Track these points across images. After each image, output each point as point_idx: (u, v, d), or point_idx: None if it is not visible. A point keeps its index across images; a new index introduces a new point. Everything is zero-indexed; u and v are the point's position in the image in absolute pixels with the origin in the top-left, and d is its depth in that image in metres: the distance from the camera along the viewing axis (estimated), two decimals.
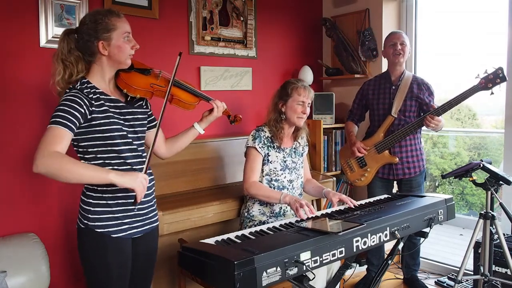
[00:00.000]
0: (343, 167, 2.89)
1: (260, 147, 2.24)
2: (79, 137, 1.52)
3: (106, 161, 1.56)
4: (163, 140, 1.86)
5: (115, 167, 1.57)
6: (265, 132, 2.29)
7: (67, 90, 1.52)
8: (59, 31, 2.23)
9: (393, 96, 2.68)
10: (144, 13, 2.57)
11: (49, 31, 2.25)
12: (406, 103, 2.66)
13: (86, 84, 1.55)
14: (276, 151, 2.28)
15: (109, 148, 1.56)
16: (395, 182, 2.84)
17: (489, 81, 2.33)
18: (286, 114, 2.26)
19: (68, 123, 1.43)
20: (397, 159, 2.66)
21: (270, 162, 2.27)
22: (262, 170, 2.27)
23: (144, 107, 1.74)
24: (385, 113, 2.70)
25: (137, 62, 1.68)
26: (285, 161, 2.30)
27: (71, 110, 1.45)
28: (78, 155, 1.57)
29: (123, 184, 1.44)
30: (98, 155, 1.55)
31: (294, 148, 2.35)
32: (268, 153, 2.27)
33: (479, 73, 2.35)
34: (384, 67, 3.23)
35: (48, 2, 2.23)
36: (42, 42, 2.24)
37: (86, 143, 1.53)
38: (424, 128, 2.64)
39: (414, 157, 2.71)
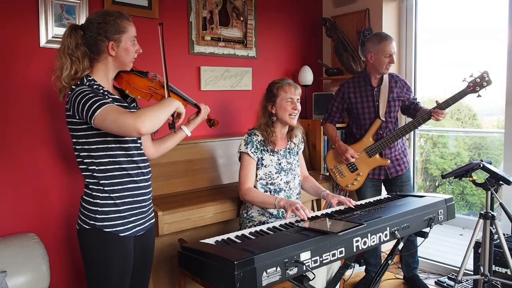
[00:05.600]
0: (332, 172, 2.80)
1: (252, 152, 2.23)
2: (89, 132, 1.53)
3: (116, 159, 1.58)
4: (150, 142, 1.86)
5: (124, 165, 1.59)
6: (258, 136, 2.27)
7: (74, 87, 1.53)
8: (59, 31, 2.24)
9: (377, 99, 2.68)
10: (144, 13, 2.57)
11: (49, 31, 2.25)
12: (390, 104, 2.68)
13: (93, 82, 1.56)
14: (270, 154, 2.27)
15: (118, 145, 1.58)
16: (382, 182, 2.85)
17: (477, 85, 2.40)
18: (277, 115, 2.25)
19: (109, 102, 1.47)
20: (389, 161, 2.68)
21: (264, 166, 2.26)
22: (256, 174, 2.26)
23: (137, 108, 1.75)
24: (371, 117, 2.69)
25: (133, 65, 1.71)
26: (280, 164, 2.29)
27: (99, 95, 1.48)
28: (82, 153, 1.56)
29: (180, 107, 1.60)
30: (108, 152, 1.56)
31: (289, 149, 2.35)
32: (261, 157, 2.26)
33: (465, 77, 2.42)
34: None
35: (48, 2, 2.23)
36: (42, 42, 2.24)
37: (97, 139, 1.54)
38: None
39: (401, 154, 2.76)
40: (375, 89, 2.69)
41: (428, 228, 1.95)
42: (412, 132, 3.13)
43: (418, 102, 2.75)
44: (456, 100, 2.46)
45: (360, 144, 2.71)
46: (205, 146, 2.75)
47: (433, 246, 3.56)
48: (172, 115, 1.63)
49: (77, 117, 1.50)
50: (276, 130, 2.29)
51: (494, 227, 2.21)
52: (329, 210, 2.06)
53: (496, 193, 2.22)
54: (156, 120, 1.47)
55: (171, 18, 2.74)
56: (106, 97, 1.54)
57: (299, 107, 2.25)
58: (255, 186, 2.25)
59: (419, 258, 2.97)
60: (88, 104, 1.44)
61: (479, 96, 2.41)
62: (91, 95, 1.47)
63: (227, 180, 2.77)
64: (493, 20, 3.65)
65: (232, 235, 1.71)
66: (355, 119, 2.78)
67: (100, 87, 1.57)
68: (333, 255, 1.56)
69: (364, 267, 2.99)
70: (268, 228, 1.77)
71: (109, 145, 1.56)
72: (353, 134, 2.80)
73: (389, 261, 2.07)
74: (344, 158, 2.69)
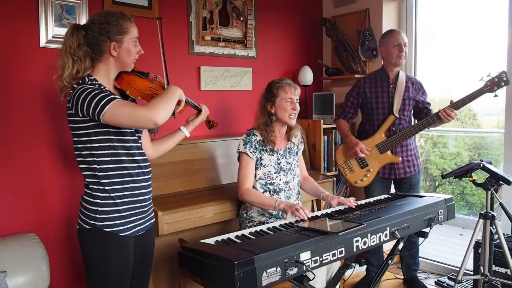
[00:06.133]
0: (342, 168, 2.81)
1: (251, 152, 2.23)
2: (91, 130, 1.53)
3: (118, 158, 1.58)
4: (150, 142, 1.87)
5: (126, 164, 1.59)
6: (257, 135, 2.27)
7: (76, 86, 1.53)
8: (59, 31, 2.24)
9: (392, 95, 2.67)
10: (144, 13, 2.57)
11: (49, 31, 2.24)
12: (405, 102, 2.66)
13: (94, 81, 1.57)
14: (269, 154, 2.27)
15: (121, 144, 1.58)
16: (392, 181, 2.83)
17: (494, 84, 2.36)
18: (277, 115, 2.25)
19: (117, 97, 1.50)
20: (400, 159, 2.65)
21: (263, 166, 2.26)
22: (256, 174, 2.26)
23: None
24: (384, 112, 2.68)
25: (134, 66, 1.71)
26: (279, 163, 2.29)
27: (104, 91, 1.49)
28: (84, 152, 1.56)
29: (182, 95, 1.65)
30: (111, 151, 1.56)
31: (288, 149, 2.34)
32: (260, 157, 2.25)
33: (483, 76, 2.38)
34: None
35: (48, 2, 2.23)
36: (42, 42, 2.24)
37: (100, 137, 1.54)
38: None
39: (413, 156, 2.73)
40: (391, 85, 2.69)
41: (428, 228, 1.95)
42: None
43: (431, 109, 2.71)
44: (473, 98, 2.42)
45: (371, 140, 2.69)
46: (205, 146, 2.75)
47: (433, 246, 3.56)
48: None
49: (80, 115, 1.50)
50: (275, 130, 2.29)
51: (494, 227, 2.21)
52: (329, 210, 2.06)
53: (496, 193, 2.22)
54: (168, 109, 1.54)
55: (171, 18, 2.73)
56: None
57: (298, 107, 2.26)
58: (254, 186, 2.25)
59: (419, 259, 2.97)
60: (95, 100, 1.45)
61: (496, 96, 2.37)
62: (96, 91, 1.47)
63: (227, 180, 2.77)
64: (493, 20, 3.65)
65: (232, 235, 1.71)
66: (368, 115, 2.77)
67: (102, 87, 1.57)
68: (333, 255, 1.56)
69: (364, 267, 2.99)
70: (268, 228, 1.77)
71: (112, 144, 1.56)
72: (366, 131, 2.79)
73: (389, 261, 2.07)
74: (354, 152, 2.66)
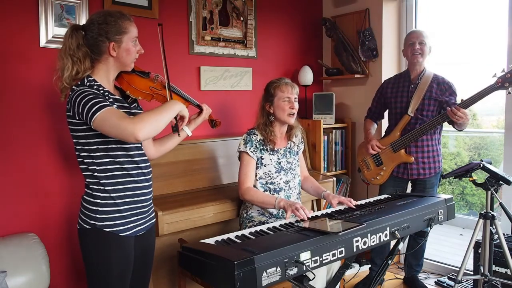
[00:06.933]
0: (360, 165, 2.87)
1: (252, 151, 2.24)
2: (89, 133, 1.53)
3: (116, 159, 1.58)
4: (151, 142, 1.86)
5: (125, 165, 1.59)
6: (257, 135, 2.28)
7: (74, 87, 1.53)
8: (59, 31, 2.24)
9: (411, 95, 2.65)
10: (144, 13, 2.57)
11: (49, 31, 2.24)
12: (424, 102, 2.61)
13: (93, 82, 1.56)
14: (269, 153, 2.27)
15: (119, 146, 1.58)
16: (409, 182, 2.81)
17: (506, 80, 2.25)
18: (275, 115, 2.26)
19: (109, 105, 1.47)
20: (413, 158, 2.62)
21: (264, 165, 2.26)
22: (256, 173, 2.26)
23: (138, 108, 1.75)
24: (401, 112, 2.67)
25: (135, 65, 1.70)
26: (279, 163, 2.29)
27: (100, 97, 1.48)
28: (83, 153, 1.56)
29: (183, 110, 1.61)
30: (109, 153, 1.56)
31: (289, 148, 2.35)
32: (261, 157, 2.26)
33: (496, 72, 2.29)
34: (385, 66, 3.25)
35: (48, 2, 2.23)
36: (42, 42, 2.24)
37: (97, 140, 1.54)
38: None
39: (430, 158, 2.65)
40: (412, 85, 2.68)
41: (428, 228, 1.95)
42: None
43: None
44: (482, 96, 2.33)
45: (387, 139, 2.72)
46: (205, 146, 2.75)
47: (433, 246, 3.56)
48: (175, 118, 1.62)
49: (77, 118, 1.50)
50: (275, 130, 2.29)
51: (494, 227, 2.21)
52: (329, 210, 2.06)
53: (496, 193, 2.21)
54: (156, 125, 1.47)
55: (171, 18, 2.73)
56: (107, 97, 1.55)
57: (296, 106, 2.26)
58: (255, 186, 2.25)
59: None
60: (88, 106, 1.44)
61: (509, 93, 2.27)
62: (91, 96, 1.47)
63: (227, 180, 2.77)
64: (493, 20, 3.65)
65: (232, 235, 1.71)
66: (390, 115, 2.80)
67: (101, 88, 1.56)
68: (333, 255, 1.56)
69: (364, 266, 2.98)
70: (268, 228, 1.77)
71: (110, 146, 1.56)
72: (387, 130, 2.81)
73: (389, 261, 2.07)
74: (366, 149, 2.72)
